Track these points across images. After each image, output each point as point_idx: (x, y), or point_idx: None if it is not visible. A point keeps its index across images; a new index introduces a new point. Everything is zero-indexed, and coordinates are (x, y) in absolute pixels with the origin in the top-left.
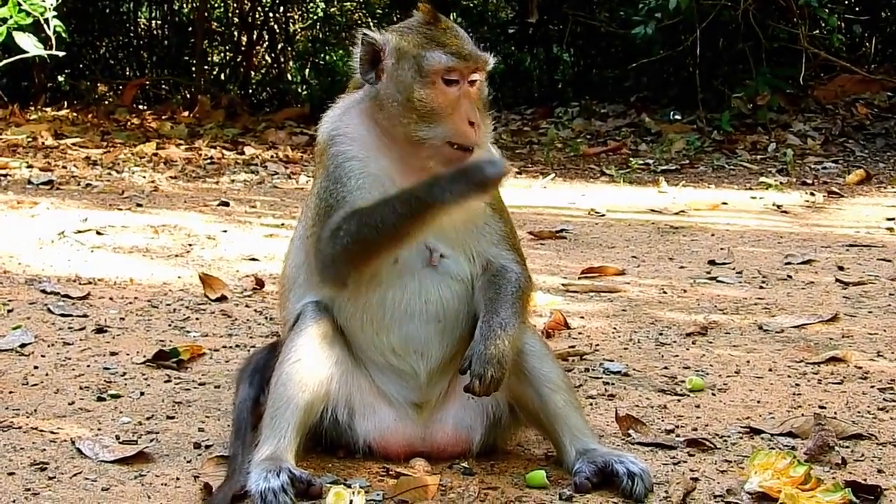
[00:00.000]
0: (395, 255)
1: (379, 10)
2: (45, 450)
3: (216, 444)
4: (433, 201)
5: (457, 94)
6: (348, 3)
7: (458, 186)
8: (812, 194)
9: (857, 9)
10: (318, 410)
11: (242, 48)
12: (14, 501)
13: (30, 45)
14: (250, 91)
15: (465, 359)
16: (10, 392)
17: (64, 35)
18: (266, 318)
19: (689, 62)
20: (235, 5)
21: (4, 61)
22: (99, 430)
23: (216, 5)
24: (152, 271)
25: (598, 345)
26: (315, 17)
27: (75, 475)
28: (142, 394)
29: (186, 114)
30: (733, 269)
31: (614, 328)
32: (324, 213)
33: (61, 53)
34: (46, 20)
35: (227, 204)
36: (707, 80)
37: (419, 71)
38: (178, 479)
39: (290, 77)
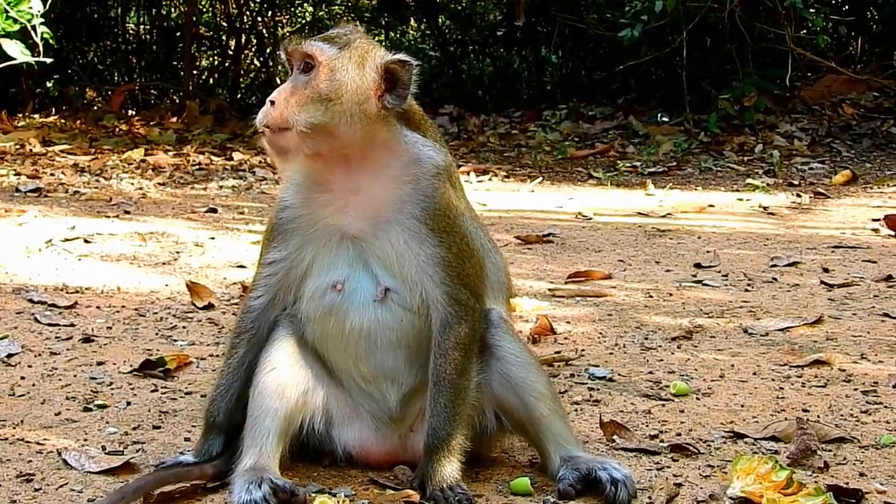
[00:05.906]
0: (334, 283)
1: (367, 14)
2: (31, 461)
3: None
4: None
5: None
6: (336, 7)
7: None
8: (798, 195)
9: (843, 9)
10: (298, 419)
11: (231, 53)
12: None
13: (17, 52)
14: (239, 96)
15: (416, 476)
16: None
17: (51, 42)
18: None
19: (677, 64)
20: (223, 10)
21: None
22: (85, 440)
23: (204, 10)
24: (140, 279)
25: (583, 350)
26: (303, 21)
27: (61, 486)
28: (128, 403)
29: (175, 119)
30: (719, 272)
31: (600, 333)
32: None
33: (49, 60)
34: (34, 27)
35: (215, 210)
36: (694, 81)
37: None
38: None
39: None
